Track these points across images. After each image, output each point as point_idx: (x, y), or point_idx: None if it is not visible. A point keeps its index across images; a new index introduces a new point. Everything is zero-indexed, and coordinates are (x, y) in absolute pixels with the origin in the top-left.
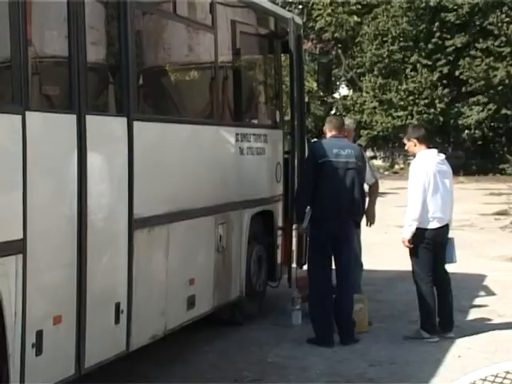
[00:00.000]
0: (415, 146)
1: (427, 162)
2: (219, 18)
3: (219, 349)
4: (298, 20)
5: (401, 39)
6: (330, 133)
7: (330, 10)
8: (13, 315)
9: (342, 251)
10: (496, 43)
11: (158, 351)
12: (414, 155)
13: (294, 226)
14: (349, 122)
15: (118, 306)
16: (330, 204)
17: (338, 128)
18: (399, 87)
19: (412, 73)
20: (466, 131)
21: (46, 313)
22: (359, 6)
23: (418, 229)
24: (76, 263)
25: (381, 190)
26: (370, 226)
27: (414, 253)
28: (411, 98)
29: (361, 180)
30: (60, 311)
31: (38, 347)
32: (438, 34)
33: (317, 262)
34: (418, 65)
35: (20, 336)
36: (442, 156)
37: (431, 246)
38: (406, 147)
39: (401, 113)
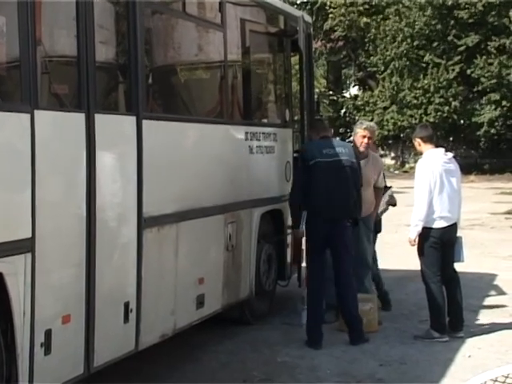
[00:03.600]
0: (419, 145)
1: (433, 161)
2: (228, 17)
3: (229, 348)
4: (308, 18)
5: (414, 38)
6: (318, 136)
7: (343, 10)
8: (22, 314)
9: (338, 251)
10: (509, 41)
11: (169, 351)
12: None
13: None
14: (372, 124)
15: (127, 305)
16: (321, 205)
17: (325, 129)
18: (414, 84)
19: (428, 71)
20: (483, 128)
21: (55, 312)
22: (367, 7)
23: (425, 228)
24: (85, 262)
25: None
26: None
27: (421, 252)
28: (426, 96)
29: (355, 178)
30: (69, 310)
31: (47, 346)
32: (452, 32)
33: (312, 263)
34: (433, 63)
35: (29, 335)
36: (450, 155)
37: (439, 245)
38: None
39: (415, 111)
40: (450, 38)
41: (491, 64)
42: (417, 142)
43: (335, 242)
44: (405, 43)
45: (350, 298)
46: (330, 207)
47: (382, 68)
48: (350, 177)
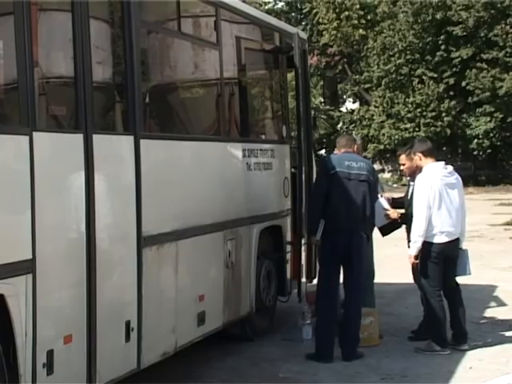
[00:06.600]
0: (420, 159)
1: (433, 175)
2: (224, 35)
3: (231, 365)
4: (303, 35)
5: (407, 52)
6: (339, 151)
7: (335, 24)
8: (23, 335)
9: (352, 264)
10: (501, 54)
11: (171, 369)
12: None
13: (303, 241)
14: (356, 137)
15: (128, 323)
16: (341, 214)
17: (349, 145)
18: (407, 100)
19: (419, 85)
20: (475, 141)
21: (57, 332)
22: (363, 21)
23: (425, 243)
24: (85, 282)
25: None
26: None
27: (421, 267)
28: (418, 110)
29: (373, 194)
30: (70, 330)
31: (49, 367)
32: (443, 47)
33: (326, 275)
34: (425, 77)
35: (31, 356)
36: (450, 168)
37: (439, 260)
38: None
39: (408, 125)
40: (440, 52)
41: (484, 77)
42: (417, 156)
43: (350, 253)
44: (396, 57)
45: (356, 312)
46: (348, 218)
47: (375, 82)
48: (367, 191)
